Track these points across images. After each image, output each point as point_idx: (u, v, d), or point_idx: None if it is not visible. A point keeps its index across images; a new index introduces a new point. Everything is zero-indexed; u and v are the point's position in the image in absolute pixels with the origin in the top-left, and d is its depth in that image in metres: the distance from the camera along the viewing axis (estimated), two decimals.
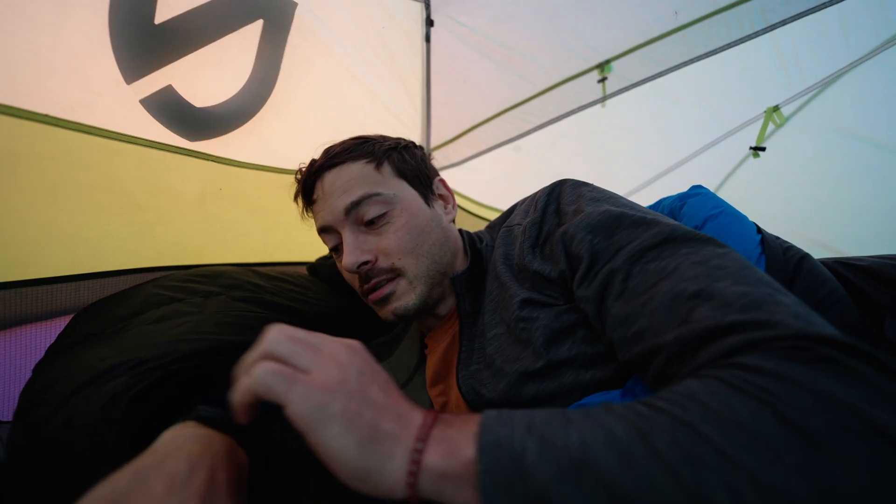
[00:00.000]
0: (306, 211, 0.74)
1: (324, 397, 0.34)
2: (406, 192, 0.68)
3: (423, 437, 0.34)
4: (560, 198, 0.61)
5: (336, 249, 0.70)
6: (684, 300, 0.40)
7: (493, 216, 1.82)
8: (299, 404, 0.33)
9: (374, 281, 0.65)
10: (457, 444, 0.33)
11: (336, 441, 0.32)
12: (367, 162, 0.68)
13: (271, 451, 0.70)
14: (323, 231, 0.69)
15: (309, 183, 0.70)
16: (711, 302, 0.38)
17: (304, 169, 0.73)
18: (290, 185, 0.76)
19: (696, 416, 0.30)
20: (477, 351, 0.64)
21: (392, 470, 0.32)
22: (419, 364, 0.75)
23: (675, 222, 0.50)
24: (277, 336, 0.38)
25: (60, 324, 0.73)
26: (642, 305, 0.44)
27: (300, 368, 0.36)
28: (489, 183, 1.82)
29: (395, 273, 0.65)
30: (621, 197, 0.58)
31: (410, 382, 0.74)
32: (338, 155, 0.69)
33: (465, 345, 0.65)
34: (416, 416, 0.36)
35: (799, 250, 0.62)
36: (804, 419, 0.28)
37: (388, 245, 0.64)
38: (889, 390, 0.29)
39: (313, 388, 0.34)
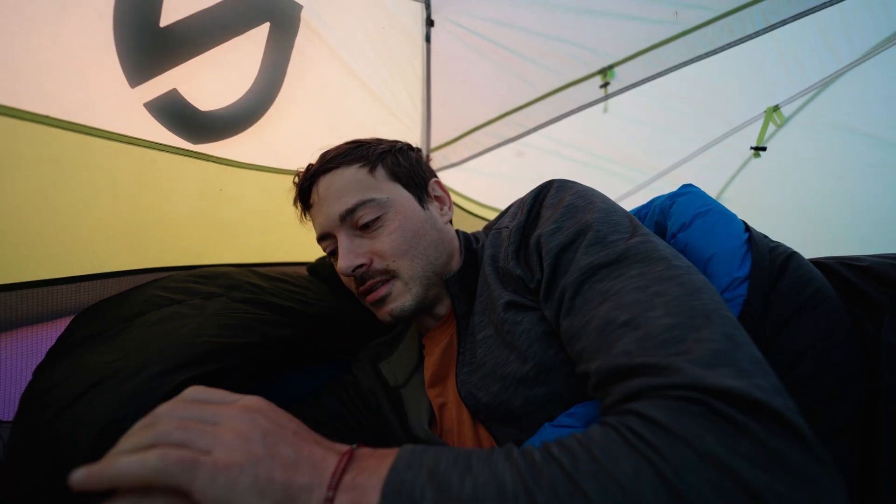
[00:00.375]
0: (304, 215, 0.75)
1: (230, 475, 0.32)
2: (400, 195, 0.69)
3: (334, 486, 0.35)
4: (543, 201, 0.61)
5: (333, 254, 0.71)
6: (614, 328, 0.43)
7: (493, 216, 1.82)
8: (207, 490, 0.32)
9: (369, 283, 0.66)
10: (364, 491, 0.34)
11: None
12: (361, 166, 0.69)
13: None
14: (321, 239, 0.71)
15: (305, 188, 0.72)
16: (636, 332, 0.41)
17: (301, 173, 0.74)
18: (290, 185, 0.76)
19: (581, 470, 0.33)
20: (469, 352, 0.64)
21: None
22: (418, 363, 0.75)
23: (640, 238, 0.50)
24: (167, 426, 0.35)
25: (60, 325, 0.73)
26: (583, 326, 0.46)
27: (200, 450, 0.34)
28: (489, 183, 1.82)
29: (390, 275, 0.66)
30: (605, 201, 0.58)
31: (410, 381, 0.74)
32: (332, 160, 0.70)
33: (462, 346, 0.65)
34: (330, 462, 0.36)
35: (787, 248, 0.62)
36: (682, 480, 0.30)
37: (382, 248, 0.65)
38: (775, 447, 0.31)
39: (218, 470, 0.32)
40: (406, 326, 0.83)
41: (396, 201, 0.68)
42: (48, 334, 0.77)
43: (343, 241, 0.66)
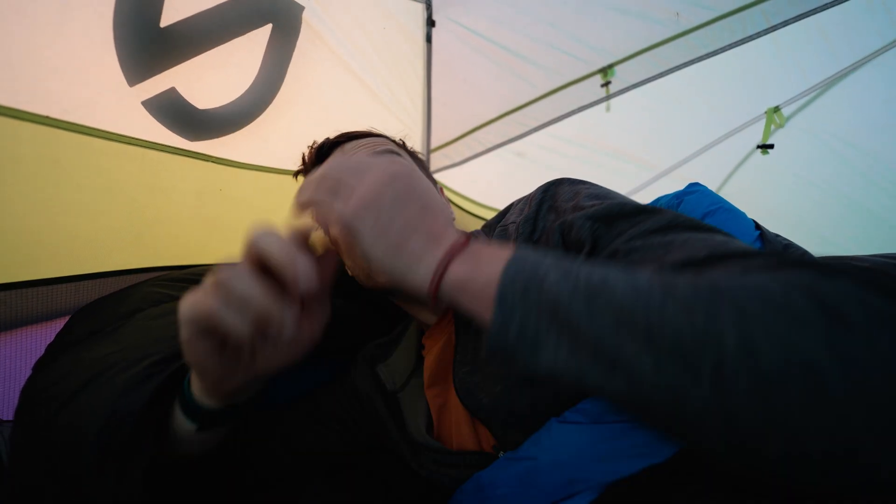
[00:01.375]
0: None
1: (358, 212, 0.39)
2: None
3: (451, 255, 0.39)
4: (556, 196, 0.60)
5: None
6: (697, 263, 0.39)
7: (491, 216, 1.82)
8: (340, 215, 0.40)
9: None
10: (483, 261, 0.38)
11: (368, 247, 0.40)
12: (388, 150, 0.68)
13: (250, 453, 0.70)
14: None
15: (325, 151, 0.69)
16: (728, 261, 0.38)
17: (317, 142, 0.72)
18: (290, 184, 0.75)
19: (723, 281, 0.31)
20: (471, 352, 0.64)
21: (416, 276, 0.39)
22: (417, 366, 0.75)
23: (676, 213, 0.49)
24: (316, 182, 0.43)
25: (60, 324, 0.73)
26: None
27: (343, 195, 0.41)
28: (490, 183, 1.82)
29: None
30: (619, 194, 0.57)
31: (408, 385, 0.73)
32: (360, 135, 0.68)
33: (460, 345, 0.65)
34: (450, 238, 0.41)
35: (798, 248, 0.61)
36: (836, 302, 0.28)
37: None
38: (863, 294, 0.29)
39: (349, 205, 0.40)
40: (404, 328, 0.82)
41: None
42: (48, 333, 0.78)
43: None
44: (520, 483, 0.53)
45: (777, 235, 0.64)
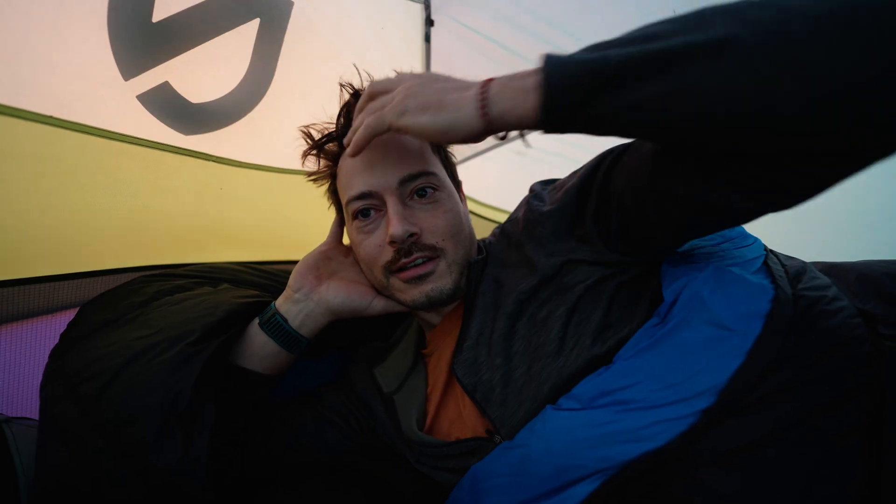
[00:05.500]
0: (333, 163, 0.73)
1: (401, 105, 0.51)
2: (449, 183, 0.70)
3: (486, 83, 0.48)
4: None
5: (364, 213, 0.66)
6: None
7: (494, 216, 1.82)
8: (389, 116, 0.51)
9: (415, 255, 0.63)
10: (517, 75, 0.47)
11: (419, 121, 0.49)
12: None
13: (246, 457, 0.70)
14: (359, 197, 0.65)
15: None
16: None
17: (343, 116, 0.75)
18: (289, 184, 0.76)
19: None
20: (480, 327, 0.64)
21: (465, 114, 0.47)
22: (412, 368, 0.75)
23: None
24: (365, 106, 0.58)
25: (60, 318, 0.74)
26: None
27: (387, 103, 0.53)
28: (491, 182, 1.82)
29: (435, 253, 0.64)
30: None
31: (403, 387, 0.73)
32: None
33: (470, 326, 0.65)
34: (476, 83, 0.49)
35: (797, 261, 0.63)
36: None
37: (437, 224, 0.64)
38: None
39: (392, 105, 0.52)
40: (403, 332, 0.82)
41: (449, 185, 0.69)
42: (46, 328, 0.79)
43: (395, 206, 0.63)
44: (512, 472, 0.53)
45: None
